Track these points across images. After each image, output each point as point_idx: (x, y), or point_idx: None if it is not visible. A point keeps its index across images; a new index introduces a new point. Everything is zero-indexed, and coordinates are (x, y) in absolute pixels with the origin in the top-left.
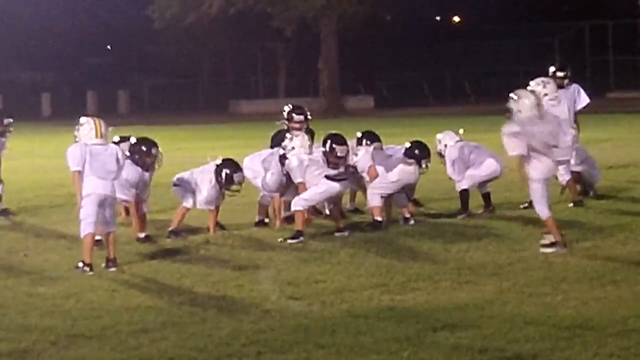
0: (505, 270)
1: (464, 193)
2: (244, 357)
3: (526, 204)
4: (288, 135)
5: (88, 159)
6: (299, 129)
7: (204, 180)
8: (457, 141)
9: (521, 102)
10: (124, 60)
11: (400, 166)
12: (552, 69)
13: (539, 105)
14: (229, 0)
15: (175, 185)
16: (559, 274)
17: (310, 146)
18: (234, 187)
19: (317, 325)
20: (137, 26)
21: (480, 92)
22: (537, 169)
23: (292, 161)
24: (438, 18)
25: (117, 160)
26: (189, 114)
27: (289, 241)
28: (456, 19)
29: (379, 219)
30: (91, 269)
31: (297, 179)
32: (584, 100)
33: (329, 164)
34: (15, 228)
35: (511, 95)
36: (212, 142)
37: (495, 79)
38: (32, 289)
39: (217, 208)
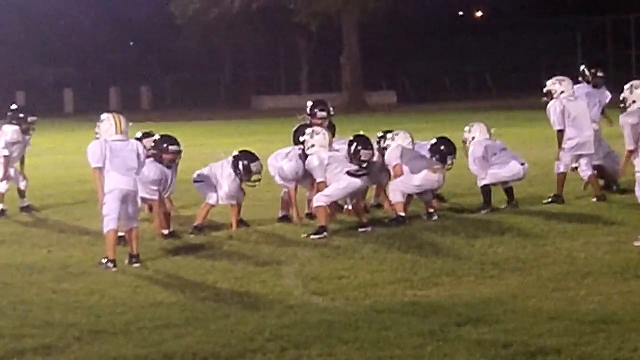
0: (528, 265)
1: (486, 188)
2: (268, 352)
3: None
4: (308, 130)
5: (109, 156)
6: (320, 125)
7: (224, 175)
8: (487, 138)
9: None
10: (147, 56)
11: (425, 172)
12: (583, 68)
13: None
14: None
15: (196, 182)
16: (583, 268)
17: (331, 142)
18: (254, 177)
19: (340, 320)
20: (159, 22)
21: (503, 86)
22: None
23: (313, 161)
24: (461, 13)
25: (138, 156)
26: (211, 110)
27: (313, 237)
28: (479, 14)
29: (402, 214)
30: (115, 265)
31: (318, 179)
32: (608, 95)
33: (352, 162)
34: (38, 224)
35: (628, 86)
36: (234, 138)
37: (517, 73)
38: (56, 285)
39: (239, 204)
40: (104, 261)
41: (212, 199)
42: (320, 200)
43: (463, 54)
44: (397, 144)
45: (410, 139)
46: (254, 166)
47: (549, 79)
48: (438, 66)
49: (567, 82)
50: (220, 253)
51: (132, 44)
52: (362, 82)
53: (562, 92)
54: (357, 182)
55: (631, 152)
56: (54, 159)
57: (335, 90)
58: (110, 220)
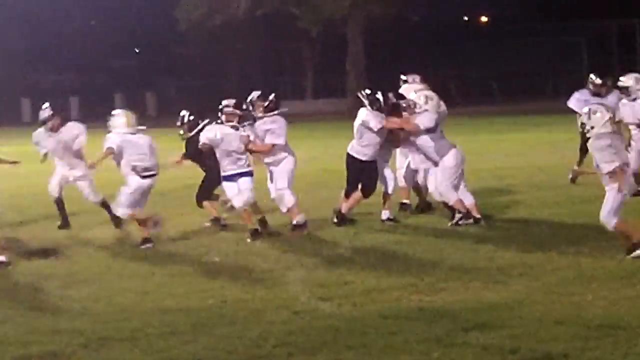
0: (534, 270)
1: None
2: (275, 358)
3: None
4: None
5: (124, 145)
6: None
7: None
8: None
9: None
10: (151, 62)
11: (454, 150)
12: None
13: None
14: (256, 1)
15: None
16: (589, 273)
17: None
18: None
19: (347, 326)
20: (164, 28)
21: (508, 91)
22: None
23: None
24: (466, 18)
25: (150, 146)
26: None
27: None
28: (483, 18)
29: (462, 210)
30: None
31: None
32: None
33: None
34: (45, 231)
35: (586, 110)
36: None
37: (522, 78)
38: (62, 291)
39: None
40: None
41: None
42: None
43: (468, 59)
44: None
45: None
46: None
47: (553, 84)
48: (443, 71)
49: None
50: (226, 258)
51: (137, 50)
52: (367, 87)
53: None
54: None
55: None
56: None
57: (339, 96)
58: (125, 208)
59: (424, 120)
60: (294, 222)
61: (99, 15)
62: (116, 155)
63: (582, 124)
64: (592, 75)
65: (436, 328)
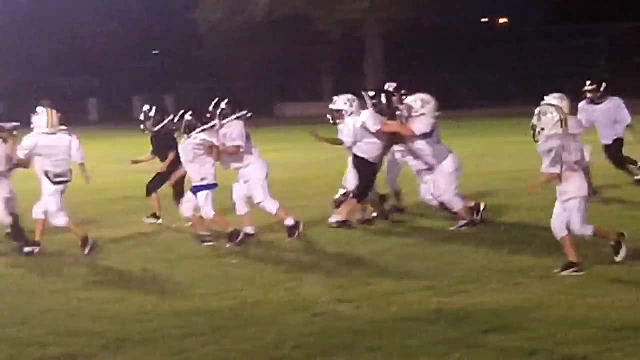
0: (552, 272)
1: None
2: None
3: None
4: None
5: (39, 148)
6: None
7: None
8: None
9: None
10: (170, 65)
11: (451, 155)
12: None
13: None
14: (275, 4)
15: None
16: (608, 275)
17: None
18: None
19: (365, 328)
20: (182, 31)
21: (526, 94)
22: None
23: None
24: (485, 20)
25: (69, 149)
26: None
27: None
28: (502, 21)
29: (467, 218)
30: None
31: None
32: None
33: None
34: (63, 232)
35: (537, 111)
36: (259, 144)
37: (540, 80)
38: (82, 293)
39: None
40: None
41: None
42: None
43: (486, 60)
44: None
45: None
46: None
47: (572, 86)
48: (462, 74)
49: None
50: (245, 260)
51: (156, 52)
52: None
53: None
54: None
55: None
56: (75, 167)
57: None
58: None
59: (421, 125)
60: (286, 225)
61: (118, 18)
62: (28, 156)
63: (533, 125)
64: (587, 82)
65: (455, 330)
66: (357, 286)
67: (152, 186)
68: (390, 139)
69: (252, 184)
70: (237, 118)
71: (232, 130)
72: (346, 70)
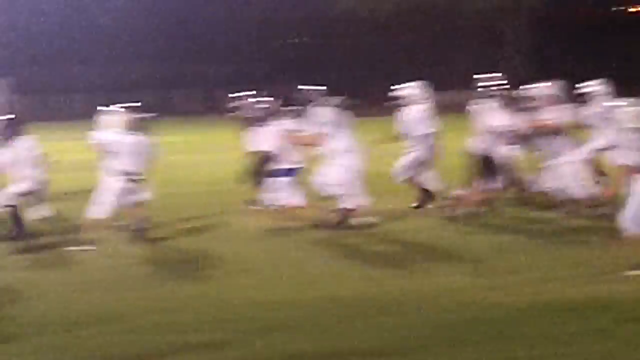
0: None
1: None
2: (437, 348)
3: None
4: None
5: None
6: None
7: None
8: None
9: None
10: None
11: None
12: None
13: None
14: None
15: None
16: None
17: None
18: None
19: (510, 316)
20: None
21: None
22: None
23: None
24: (614, 9)
25: None
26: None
27: None
28: (633, 9)
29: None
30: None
31: None
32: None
33: None
34: (203, 219)
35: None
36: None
37: None
38: (230, 280)
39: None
40: None
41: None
42: None
43: (617, 51)
44: None
45: None
46: None
47: None
48: (590, 64)
49: None
50: (391, 247)
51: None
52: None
53: None
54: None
55: None
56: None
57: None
58: None
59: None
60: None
61: (243, 8)
62: None
63: None
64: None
65: (599, 319)
66: (503, 273)
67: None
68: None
69: (341, 172)
70: (327, 105)
71: (321, 117)
72: (485, 58)
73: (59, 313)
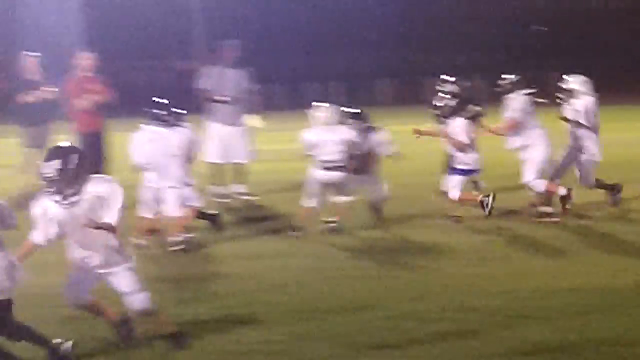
0: None
1: None
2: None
3: None
4: None
5: None
6: None
7: None
8: None
9: None
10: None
11: None
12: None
13: None
14: None
15: None
16: None
17: None
18: None
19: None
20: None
21: None
22: None
23: None
24: None
25: None
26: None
27: None
28: None
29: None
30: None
31: None
32: None
33: None
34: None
35: None
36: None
37: None
38: (475, 269)
39: None
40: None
41: None
42: None
43: None
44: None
45: None
46: None
47: None
48: None
49: None
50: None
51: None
52: None
53: None
54: None
55: None
56: None
57: None
58: None
59: None
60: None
61: None
62: None
63: None
64: None
65: None
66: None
67: None
68: None
69: (529, 162)
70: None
71: (513, 104)
72: None
73: (314, 299)
